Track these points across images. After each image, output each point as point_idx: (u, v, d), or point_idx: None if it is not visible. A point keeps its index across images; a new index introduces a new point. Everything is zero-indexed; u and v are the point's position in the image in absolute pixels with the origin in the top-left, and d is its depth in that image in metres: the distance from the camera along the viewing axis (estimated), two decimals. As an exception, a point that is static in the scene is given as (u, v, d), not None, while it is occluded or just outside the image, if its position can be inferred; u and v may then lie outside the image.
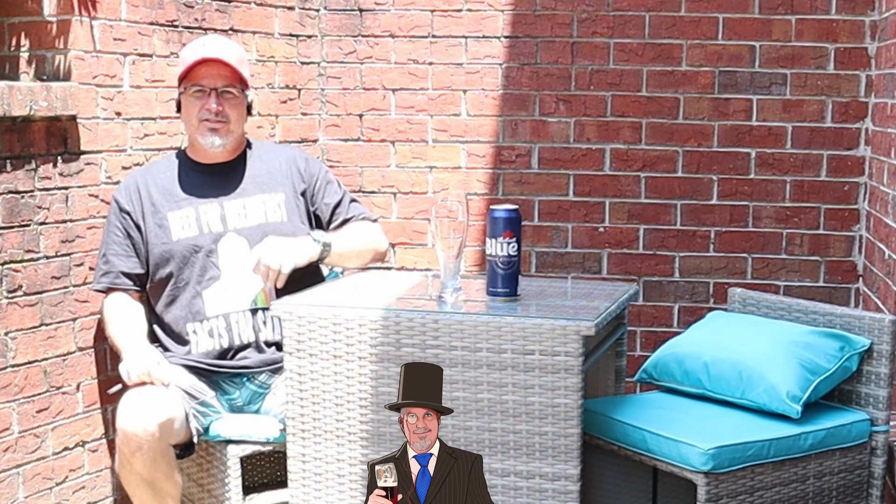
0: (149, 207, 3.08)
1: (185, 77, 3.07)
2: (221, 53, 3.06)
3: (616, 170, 4.12)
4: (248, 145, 3.23)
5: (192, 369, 3.04)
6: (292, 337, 2.69)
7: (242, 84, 3.11)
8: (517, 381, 2.56)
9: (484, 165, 4.18)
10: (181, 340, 3.08)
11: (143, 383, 2.86)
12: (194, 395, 2.97)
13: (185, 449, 2.94)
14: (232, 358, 3.07)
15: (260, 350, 3.07)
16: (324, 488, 2.71)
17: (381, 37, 4.18)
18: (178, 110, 3.15)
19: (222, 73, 3.06)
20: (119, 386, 2.93)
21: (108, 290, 3.08)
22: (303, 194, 3.20)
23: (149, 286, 3.12)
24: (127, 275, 3.07)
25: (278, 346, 2.98)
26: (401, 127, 4.20)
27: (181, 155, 3.21)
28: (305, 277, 3.08)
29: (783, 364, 2.79)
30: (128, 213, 3.08)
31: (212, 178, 3.14)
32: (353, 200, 3.30)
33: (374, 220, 3.33)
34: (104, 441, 3.22)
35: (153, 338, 3.13)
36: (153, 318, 3.14)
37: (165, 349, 3.09)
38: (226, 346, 3.06)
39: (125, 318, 3.05)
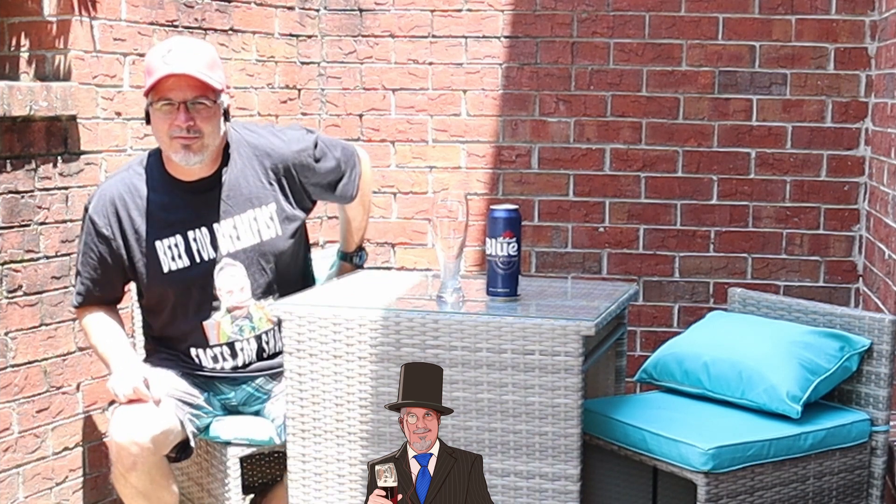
0: (131, 234, 2.89)
1: (152, 89, 2.79)
2: (187, 66, 2.76)
3: (616, 170, 4.12)
4: (226, 160, 2.95)
5: (186, 373, 2.97)
6: (292, 337, 2.68)
7: (215, 93, 2.83)
8: (517, 381, 2.56)
9: (484, 165, 4.18)
10: (182, 358, 2.99)
11: (133, 401, 2.75)
12: (188, 401, 2.90)
13: (181, 451, 2.89)
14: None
15: (262, 359, 3.05)
16: (324, 488, 2.71)
17: (381, 37, 4.18)
18: (148, 122, 2.86)
19: (191, 83, 2.78)
20: (114, 406, 2.87)
21: (85, 306, 2.96)
22: (292, 189, 3.00)
23: (143, 303, 3.01)
24: (101, 297, 2.95)
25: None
26: (401, 127, 4.20)
27: (157, 168, 2.93)
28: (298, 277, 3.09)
29: (783, 364, 2.79)
30: (106, 239, 2.89)
31: (195, 196, 2.91)
32: (337, 162, 3.06)
33: (357, 179, 3.11)
34: (104, 441, 3.22)
35: (150, 345, 3.08)
36: (150, 327, 3.05)
37: (166, 349, 3.04)
38: (229, 368, 2.99)
39: (106, 330, 2.93)
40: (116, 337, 2.93)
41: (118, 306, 3.04)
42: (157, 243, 2.89)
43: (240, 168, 2.95)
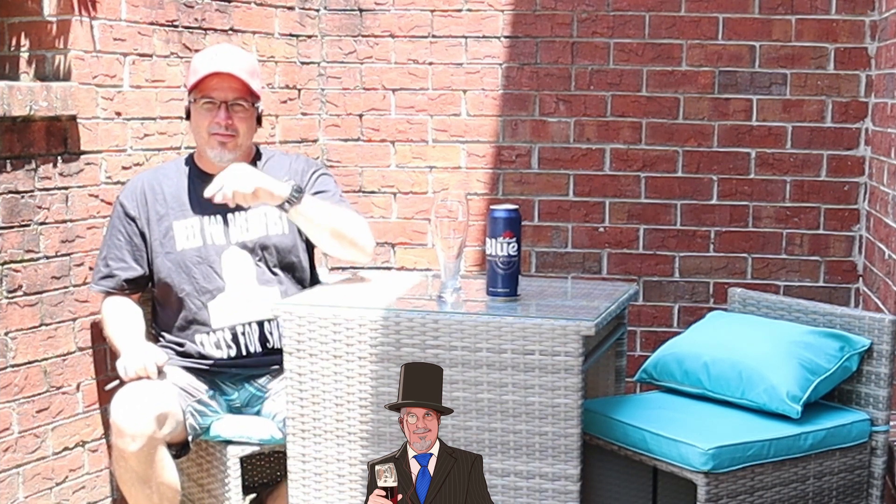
0: (154, 215, 3.07)
1: (196, 87, 3.03)
2: (233, 67, 3.01)
3: (616, 170, 4.12)
4: (258, 155, 3.19)
5: (192, 369, 3.05)
6: (292, 337, 2.69)
7: (253, 97, 3.07)
8: (517, 381, 2.56)
9: (484, 165, 4.18)
10: (188, 351, 3.07)
11: (140, 379, 2.87)
12: (191, 392, 2.97)
13: (181, 449, 2.94)
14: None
15: (266, 355, 3.07)
16: (324, 488, 2.72)
17: (381, 37, 4.18)
18: (188, 118, 3.12)
19: (233, 85, 3.02)
20: (116, 382, 2.93)
21: (107, 294, 3.09)
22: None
23: (155, 290, 3.12)
24: (126, 280, 3.07)
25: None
26: (401, 127, 4.20)
27: (190, 162, 3.17)
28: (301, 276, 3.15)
29: (783, 364, 2.79)
30: (133, 220, 3.06)
31: None
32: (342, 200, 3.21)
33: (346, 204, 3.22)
34: (104, 441, 3.23)
35: (158, 337, 3.14)
36: (160, 319, 3.14)
37: (174, 344, 3.09)
38: (234, 355, 3.06)
39: (123, 317, 3.06)
40: (132, 324, 3.05)
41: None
42: (176, 223, 3.07)
43: (262, 170, 3.08)
